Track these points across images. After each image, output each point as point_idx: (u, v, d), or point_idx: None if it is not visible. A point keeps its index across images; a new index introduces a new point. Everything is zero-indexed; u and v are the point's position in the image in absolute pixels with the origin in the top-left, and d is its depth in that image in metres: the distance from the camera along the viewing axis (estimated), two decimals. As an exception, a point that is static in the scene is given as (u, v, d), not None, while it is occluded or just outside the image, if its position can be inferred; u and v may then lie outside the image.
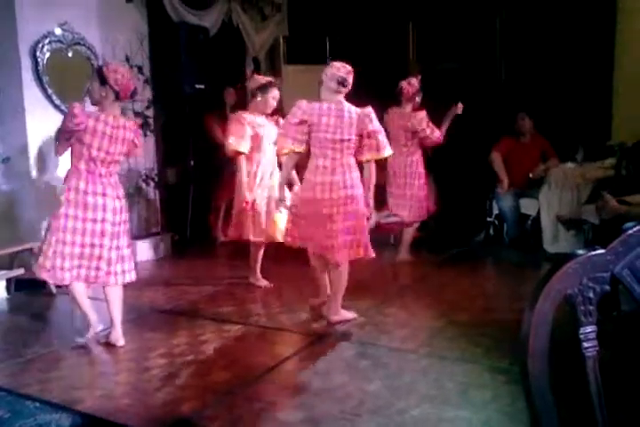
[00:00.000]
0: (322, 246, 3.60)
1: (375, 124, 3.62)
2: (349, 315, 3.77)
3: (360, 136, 3.58)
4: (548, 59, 5.97)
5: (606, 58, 5.82)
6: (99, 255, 3.34)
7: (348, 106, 3.59)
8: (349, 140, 3.55)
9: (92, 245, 3.32)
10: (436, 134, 5.01)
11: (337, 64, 3.62)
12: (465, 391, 2.74)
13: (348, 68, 3.59)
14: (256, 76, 4.70)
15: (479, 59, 6.46)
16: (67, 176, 3.43)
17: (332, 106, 3.56)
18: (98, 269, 3.35)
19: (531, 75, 6.08)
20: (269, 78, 4.58)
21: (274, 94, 4.43)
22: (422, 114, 5.00)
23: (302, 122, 3.55)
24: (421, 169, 5.16)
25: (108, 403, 2.72)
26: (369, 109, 3.62)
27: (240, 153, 4.37)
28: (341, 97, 3.60)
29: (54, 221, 3.33)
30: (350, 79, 3.58)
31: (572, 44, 5.86)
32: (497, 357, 3.07)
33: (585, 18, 5.84)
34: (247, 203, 4.37)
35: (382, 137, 3.66)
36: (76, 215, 3.29)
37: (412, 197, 5.14)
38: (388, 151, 3.69)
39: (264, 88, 4.41)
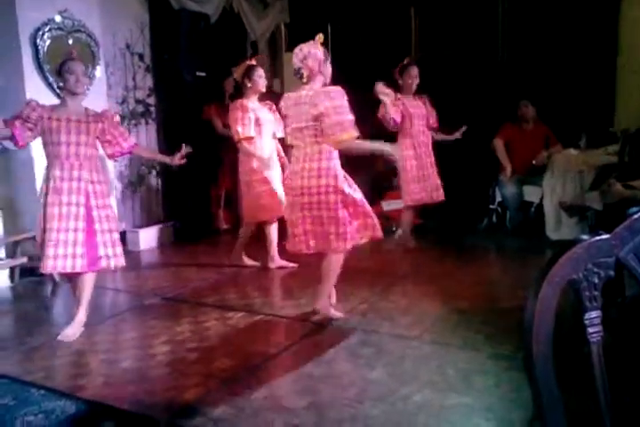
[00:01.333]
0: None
1: (326, 105, 3.25)
2: (336, 314, 3.59)
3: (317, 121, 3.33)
4: (551, 45, 5.93)
5: (610, 44, 5.78)
6: (84, 240, 3.37)
7: (306, 92, 3.39)
8: (306, 127, 3.36)
9: (76, 230, 3.36)
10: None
11: (295, 50, 3.44)
12: (467, 378, 2.74)
13: (305, 50, 3.37)
14: (235, 68, 4.73)
15: (481, 45, 6.42)
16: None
17: (293, 95, 3.48)
18: (84, 254, 3.37)
19: (533, 61, 6.04)
20: (247, 62, 4.64)
21: (259, 73, 4.53)
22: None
23: (284, 116, 3.59)
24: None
25: (113, 390, 2.73)
26: (327, 89, 3.33)
27: (249, 138, 4.45)
28: (312, 84, 3.42)
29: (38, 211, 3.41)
30: (306, 64, 3.36)
31: (575, 31, 5.82)
32: (499, 343, 3.07)
33: (588, 4, 5.80)
34: (269, 182, 4.50)
35: (332, 119, 3.24)
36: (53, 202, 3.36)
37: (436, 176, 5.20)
38: (337, 136, 3.27)
39: (248, 73, 4.51)
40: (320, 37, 3.41)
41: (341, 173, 3.41)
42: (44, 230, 3.35)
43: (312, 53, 3.36)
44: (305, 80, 3.41)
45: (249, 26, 6.78)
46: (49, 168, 3.43)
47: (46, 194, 3.37)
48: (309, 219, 3.40)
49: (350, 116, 3.29)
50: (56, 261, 3.32)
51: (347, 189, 3.38)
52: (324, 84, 3.42)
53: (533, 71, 6.00)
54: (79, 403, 2.60)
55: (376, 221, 3.51)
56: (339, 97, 3.28)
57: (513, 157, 5.75)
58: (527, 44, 6.14)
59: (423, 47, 6.76)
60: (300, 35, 7.22)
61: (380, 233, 3.51)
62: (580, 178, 5.18)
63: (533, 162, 5.65)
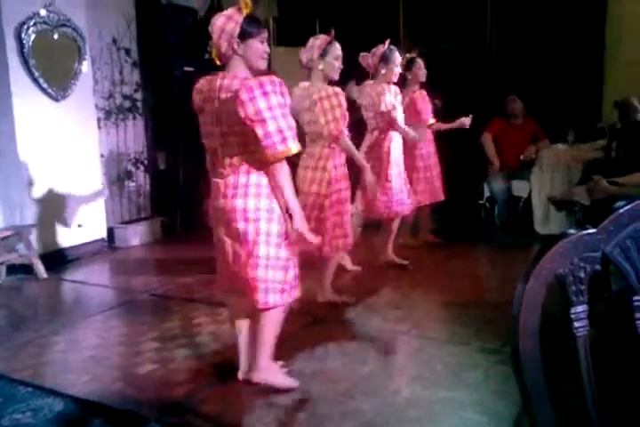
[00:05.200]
0: None
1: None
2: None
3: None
4: (540, 40, 5.93)
5: (597, 40, 5.80)
6: None
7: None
8: None
9: None
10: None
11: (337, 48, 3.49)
12: (457, 372, 2.75)
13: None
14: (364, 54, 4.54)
15: (470, 39, 6.42)
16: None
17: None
18: None
19: (522, 56, 6.05)
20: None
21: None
22: None
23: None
24: None
25: (101, 387, 2.72)
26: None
27: None
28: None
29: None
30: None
31: (564, 26, 5.83)
32: (488, 338, 3.08)
33: (576, 0, 5.81)
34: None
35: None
36: None
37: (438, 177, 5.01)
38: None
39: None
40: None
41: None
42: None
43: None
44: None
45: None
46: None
47: None
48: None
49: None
50: None
51: None
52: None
53: (521, 66, 6.01)
54: (67, 400, 2.59)
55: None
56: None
57: (501, 152, 5.76)
58: (515, 39, 6.14)
59: (412, 41, 6.74)
60: (288, 29, 7.24)
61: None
62: (567, 173, 5.21)
63: (521, 157, 5.67)
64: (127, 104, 5.69)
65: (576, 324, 1.01)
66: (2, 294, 4.31)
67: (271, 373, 2.65)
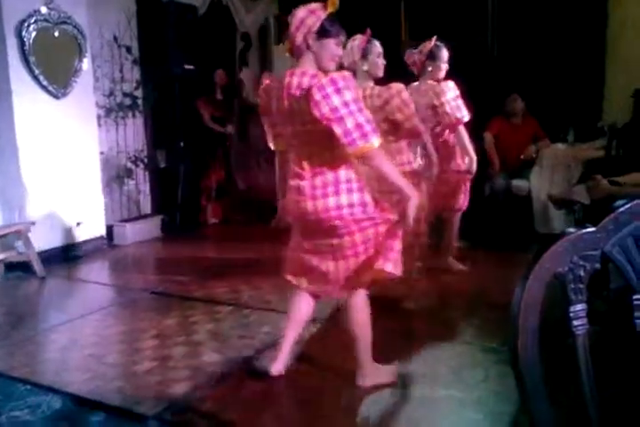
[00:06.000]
0: None
1: None
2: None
3: None
4: (541, 39, 5.93)
5: (598, 38, 5.78)
6: None
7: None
8: None
9: None
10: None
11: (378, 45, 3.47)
12: (456, 371, 2.75)
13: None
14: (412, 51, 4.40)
15: (471, 38, 6.41)
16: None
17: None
18: None
19: (523, 55, 6.04)
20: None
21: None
22: None
23: None
24: None
25: (99, 385, 2.72)
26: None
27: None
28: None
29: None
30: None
31: (565, 25, 5.82)
32: (488, 337, 3.08)
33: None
34: None
35: None
36: None
37: None
38: None
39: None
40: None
41: None
42: None
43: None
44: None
45: (237, 18, 6.75)
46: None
47: None
48: None
49: None
50: None
51: None
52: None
53: (522, 65, 6.00)
54: (66, 398, 2.59)
55: None
56: None
57: (501, 151, 5.75)
58: (516, 38, 6.13)
59: (413, 39, 6.74)
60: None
61: None
62: (567, 172, 5.21)
63: (522, 156, 5.66)
64: (127, 102, 5.69)
65: (575, 322, 1.01)
66: (0, 291, 4.30)
67: (377, 373, 2.63)
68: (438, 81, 4.12)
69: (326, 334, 3.23)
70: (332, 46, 2.36)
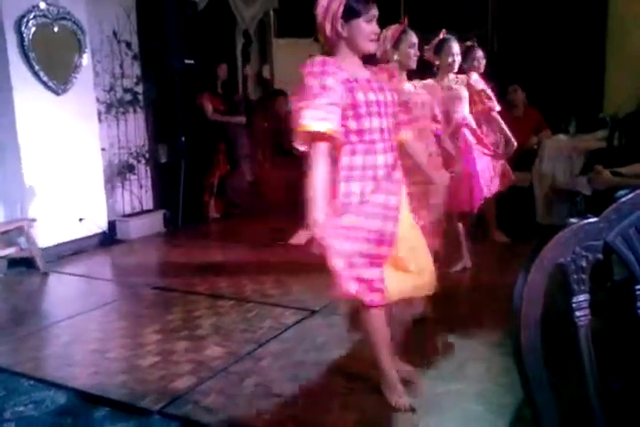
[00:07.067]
0: None
1: None
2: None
3: None
4: (541, 30, 5.90)
5: (599, 30, 5.76)
6: None
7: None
8: None
9: None
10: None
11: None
12: (459, 364, 2.75)
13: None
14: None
15: (471, 29, 6.38)
16: None
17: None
18: None
19: (523, 46, 6.02)
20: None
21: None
22: None
23: None
24: None
25: (103, 379, 2.72)
26: None
27: None
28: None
29: None
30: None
31: (565, 16, 5.80)
32: (491, 330, 3.08)
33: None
34: None
35: None
36: None
37: None
38: None
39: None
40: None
41: None
42: None
43: None
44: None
45: (237, 12, 6.72)
46: None
47: None
48: None
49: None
50: None
51: None
52: None
53: (523, 56, 5.98)
54: (69, 393, 2.59)
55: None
56: None
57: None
58: (517, 29, 6.11)
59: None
60: (289, 21, 7.21)
61: None
62: (569, 163, 5.19)
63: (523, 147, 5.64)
64: (128, 97, 5.68)
65: (577, 313, 1.00)
66: (3, 287, 4.31)
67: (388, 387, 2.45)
68: (457, 73, 4.10)
69: (321, 326, 3.23)
70: (362, 25, 2.18)
